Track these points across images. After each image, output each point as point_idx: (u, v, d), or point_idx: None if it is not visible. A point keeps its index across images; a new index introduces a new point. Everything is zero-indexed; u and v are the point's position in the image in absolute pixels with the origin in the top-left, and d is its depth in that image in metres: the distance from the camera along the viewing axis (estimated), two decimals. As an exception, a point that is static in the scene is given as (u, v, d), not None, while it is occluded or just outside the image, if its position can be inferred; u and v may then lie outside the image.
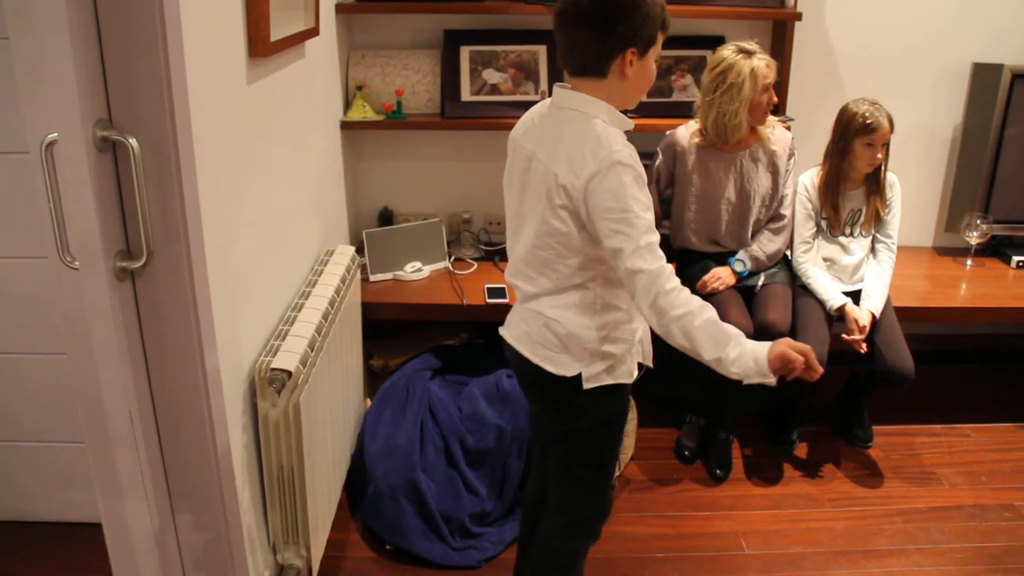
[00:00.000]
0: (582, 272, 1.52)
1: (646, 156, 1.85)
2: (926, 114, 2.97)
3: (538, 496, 1.87)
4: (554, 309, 1.56)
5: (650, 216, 1.41)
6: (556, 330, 1.55)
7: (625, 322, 1.58)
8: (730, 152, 2.46)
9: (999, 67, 2.80)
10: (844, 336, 2.42)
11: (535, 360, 1.59)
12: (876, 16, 2.83)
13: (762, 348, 1.41)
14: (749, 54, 2.31)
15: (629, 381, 1.63)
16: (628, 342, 1.60)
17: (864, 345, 2.41)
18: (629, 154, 1.42)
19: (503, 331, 1.70)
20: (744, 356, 1.40)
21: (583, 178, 1.40)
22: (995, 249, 3.01)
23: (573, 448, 1.67)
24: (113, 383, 1.37)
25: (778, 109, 2.64)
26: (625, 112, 1.53)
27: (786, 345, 1.42)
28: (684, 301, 1.39)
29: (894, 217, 2.56)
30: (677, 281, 1.41)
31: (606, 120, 1.47)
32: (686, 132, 2.48)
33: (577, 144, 1.44)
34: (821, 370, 1.45)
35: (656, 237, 1.42)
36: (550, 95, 1.55)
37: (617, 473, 2.52)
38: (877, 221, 2.55)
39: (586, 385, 1.56)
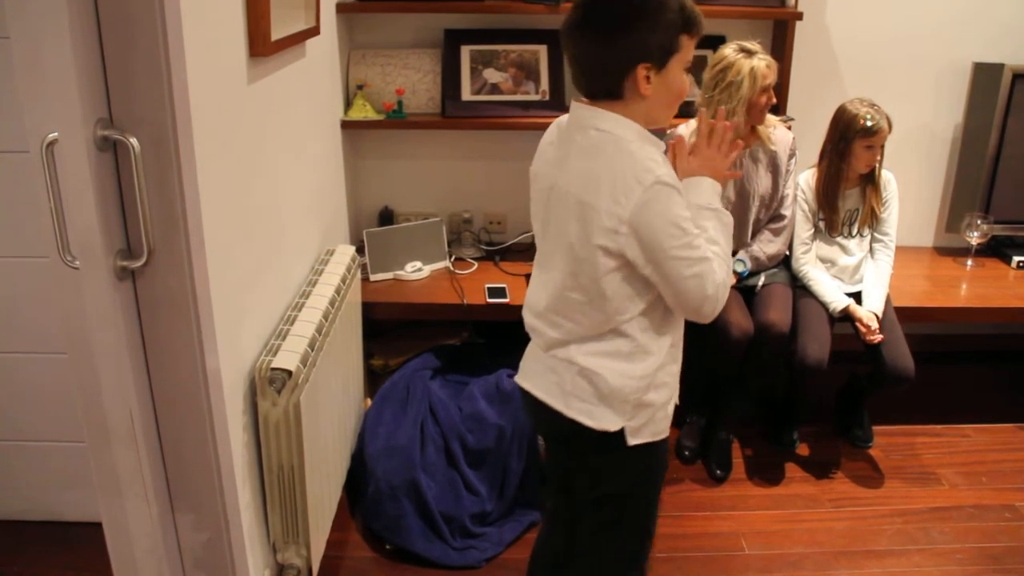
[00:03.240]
0: (618, 316, 1.37)
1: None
2: (926, 114, 2.97)
3: (549, 558, 1.72)
4: (590, 358, 1.40)
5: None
6: (595, 382, 1.40)
7: (668, 364, 1.44)
8: (730, 152, 2.46)
9: (999, 67, 2.80)
10: (862, 336, 2.42)
11: (570, 414, 1.43)
12: (877, 16, 2.83)
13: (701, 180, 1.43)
14: (750, 54, 2.31)
15: (667, 434, 1.50)
16: (670, 386, 1.47)
17: (880, 335, 2.40)
18: (669, 173, 1.30)
19: (522, 381, 1.53)
20: (710, 193, 1.41)
21: (629, 208, 1.26)
22: (995, 249, 3.00)
23: (612, 512, 1.53)
24: (113, 383, 1.36)
25: (777, 109, 2.64)
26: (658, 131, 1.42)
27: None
28: (723, 270, 1.36)
29: (891, 215, 2.56)
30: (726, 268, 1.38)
31: (637, 141, 1.33)
32: (687, 131, 2.48)
33: (615, 169, 1.28)
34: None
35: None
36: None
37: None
38: (874, 219, 2.55)
39: (630, 441, 1.42)
